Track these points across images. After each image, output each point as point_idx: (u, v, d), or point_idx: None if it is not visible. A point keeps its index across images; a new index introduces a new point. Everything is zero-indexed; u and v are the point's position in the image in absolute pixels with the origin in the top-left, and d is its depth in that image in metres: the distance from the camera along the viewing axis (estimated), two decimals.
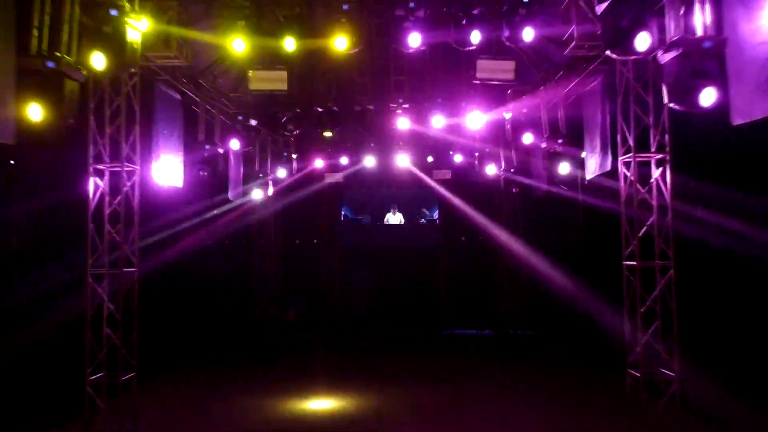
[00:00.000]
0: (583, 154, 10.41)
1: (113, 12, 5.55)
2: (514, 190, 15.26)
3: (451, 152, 15.69)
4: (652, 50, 5.57)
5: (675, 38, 5.43)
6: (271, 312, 16.61)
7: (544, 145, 10.47)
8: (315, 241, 19.96)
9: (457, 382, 13.16)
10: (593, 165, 10.00)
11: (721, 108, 6.02)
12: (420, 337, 18.83)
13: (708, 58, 5.55)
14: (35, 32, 5.62)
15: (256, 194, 14.38)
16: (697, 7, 5.62)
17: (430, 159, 16.50)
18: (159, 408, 10.69)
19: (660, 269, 7.66)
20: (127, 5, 5.80)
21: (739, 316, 7.92)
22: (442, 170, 16.63)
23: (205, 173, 10.43)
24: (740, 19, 5.87)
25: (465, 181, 16.96)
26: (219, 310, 17.46)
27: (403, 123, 12.78)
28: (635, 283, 7.71)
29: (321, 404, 11.45)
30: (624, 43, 5.45)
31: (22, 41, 5.81)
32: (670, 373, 7.51)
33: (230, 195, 13.54)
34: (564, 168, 10.51)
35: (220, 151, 10.63)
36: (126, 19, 5.63)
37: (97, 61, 5.64)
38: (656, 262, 7.69)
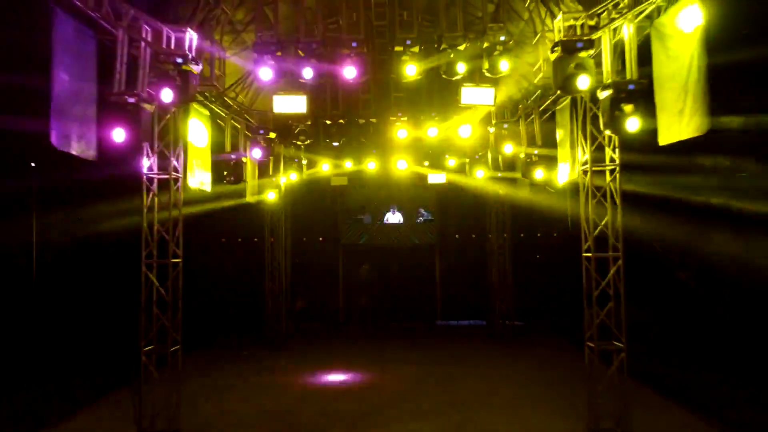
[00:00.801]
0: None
1: (179, 60, 7.23)
2: (500, 192, 16.91)
3: (447, 156, 17.37)
4: (591, 89, 7.26)
5: (608, 81, 7.11)
6: (281, 303, 18.30)
7: (522, 155, 12.16)
8: (320, 238, 21.63)
9: (451, 361, 14.89)
10: (564, 171, 11.68)
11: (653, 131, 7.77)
12: (417, 327, 20.50)
13: (635, 95, 7.24)
14: (117, 75, 7.29)
15: (270, 195, 16.06)
16: (627, 55, 7.32)
17: (426, 163, 18.13)
18: (197, 376, 12.44)
19: (612, 259, 9.34)
20: (188, 54, 7.48)
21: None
22: (437, 174, 18.27)
23: (232, 178, 12.08)
24: (662, 64, 7.59)
25: (457, 184, 18.59)
26: (235, 300, 19.16)
27: (401, 133, 14.48)
28: (591, 271, 9.39)
29: (332, 377, 13.20)
30: (569, 84, 7.14)
31: (105, 81, 7.50)
32: (620, 345, 9.18)
33: (248, 197, 15.25)
34: (539, 173, 12.20)
35: (244, 160, 12.29)
36: (188, 65, 7.30)
37: (166, 96, 7.31)
38: (609, 253, 9.36)
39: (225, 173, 12.11)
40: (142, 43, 7.43)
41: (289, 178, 16.38)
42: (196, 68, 7.56)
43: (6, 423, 9.77)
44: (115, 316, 10.91)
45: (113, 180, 9.81)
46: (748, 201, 8.86)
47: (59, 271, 10.21)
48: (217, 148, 12.42)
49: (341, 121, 13.83)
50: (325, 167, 17.36)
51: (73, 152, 7.26)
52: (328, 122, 13.83)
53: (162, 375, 9.52)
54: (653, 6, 7.14)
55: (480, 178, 15.99)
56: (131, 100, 7.14)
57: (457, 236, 21.87)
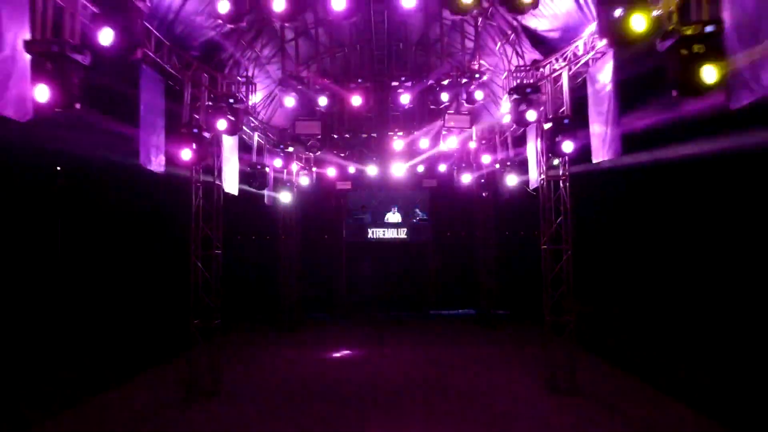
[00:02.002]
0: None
1: (231, 100, 9.66)
2: (484, 195, 19.37)
3: (442, 163, 19.82)
4: (538, 121, 9.72)
5: (550, 116, 9.58)
6: (293, 292, 20.73)
7: (497, 165, 14.63)
8: (326, 236, 24.06)
9: (440, 342, 17.35)
10: (534, 178, 14.12)
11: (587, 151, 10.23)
12: (413, 315, 22.92)
13: (570, 125, 9.70)
14: (184, 111, 9.72)
15: (284, 198, 18.53)
16: (564, 96, 9.79)
17: (420, 168, 20.57)
18: (229, 350, 14.83)
19: (564, 251, 11.77)
20: (238, 95, 9.92)
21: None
22: (429, 179, 20.74)
23: (257, 185, 14.52)
24: (593, 102, 10.04)
25: (447, 188, 21.04)
26: (253, 290, 21.62)
27: (398, 144, 16.94)
28: (548, 261, 11.83)
29: (338, 353, 15.66)
30: (522, 119, 9.60)
31: (177, 119, 9.95)
32: (569, 318, 11.63)
33: (266, 200, 17.72)
34: (512, 180, 14.67)
35: (267, 170, 14.72)
36: (239, 104, 9.73)
37: (221, 125, 9.76)
38: (562, 246, 11.80)
39: (251, 181, 14.51)
40: (203, 87, 9.86)
41: (301, 183, 18.86)
42: (244, 106, 9.99)
43: (77, 383, 12.15)
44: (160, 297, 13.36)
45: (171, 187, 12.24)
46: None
47: (124, 259, 12.64)
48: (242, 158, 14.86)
49: (347, 135, 16.28)
50: (331, 171, 19.85)
51: (152, 168, 9.70)
52: (336, 136, 16.27)
53: (205, 346, 11.93)
54: (585, 60, 9.61)
55: (466, 182, 18.48)
56: (195, 131, 9.58)
57: (448, 234, 24.28)
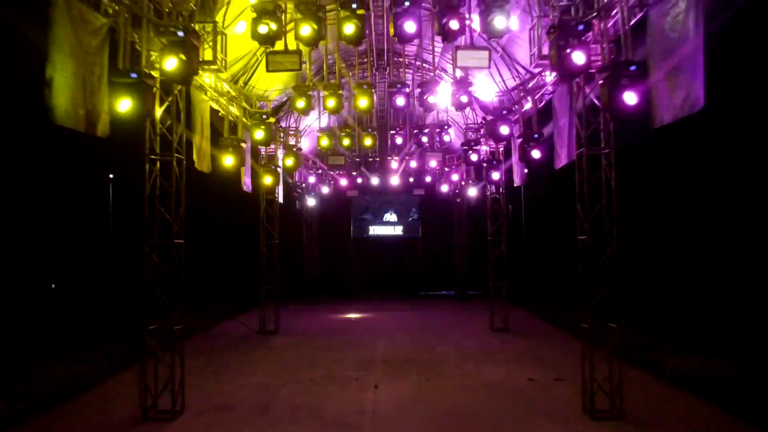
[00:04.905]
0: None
1: (295, 149, 16.09)
2: (458, 200, 25.82)
3: (427, 176, 26.23)
4: (481, 159, 16.21)
5: (486, 158, 16.07)
6: (313, 276, 27.15)
7: (462, 182, 21.12)
8: (337, 232, 30.41)
9: (424, 311, 23.81)
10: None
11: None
12: (405, 295, 29.32)
13: (497, 164, 16.18)
14: (261, 157, 16.13)
15: (309, 202, 24.99)
16: (499, 146, 16.29)
17: (411, 179, 26.98)
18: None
19: (502, 241, 18.20)
20: (298, 145, 16.36)
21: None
22: (418, 188, 27.19)
23: (298, 195, 20.95)
24: (513, 149, 16.54)
25: (432, 195, 27.47)
26: (281, 272, 28.01)
27: (394, 164, 23.39)
28: (492, 247, 18.24)
29: (351, 315, 22.14)
30: (469, 161, 16.05)
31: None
32: (503, 284, 18.04)
33: (297, 205, 24.20)
34: (472, 191, 21.16)
35: (303, 185, 21.14)
36: (299, 150, 16.17)
37: (289, 162, 16.20)
38: (501, 238, 18.22)
39: (293, 192, 20.95)
40: (278, 140, 16.28)
41: (321, 191, 25.31)
42: (303, 146, 16.44)
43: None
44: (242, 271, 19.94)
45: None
46: None
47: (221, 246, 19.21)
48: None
49: (357, 159, 22.72)
50: (342, 181, 26.27)
51: (245, 189, 16.09)
52: (348, 159, 22.69)
53: (269, 303, 18.26)
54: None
55: (444, 191, 25.00)
56: (273, 167, 15.98)
57: (433, 232, 30.63)
